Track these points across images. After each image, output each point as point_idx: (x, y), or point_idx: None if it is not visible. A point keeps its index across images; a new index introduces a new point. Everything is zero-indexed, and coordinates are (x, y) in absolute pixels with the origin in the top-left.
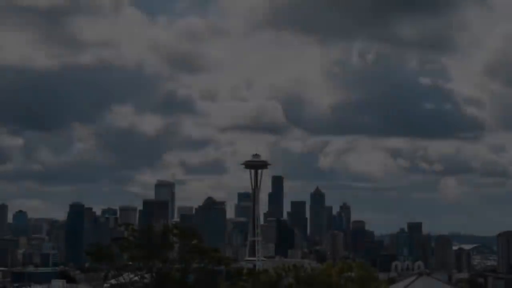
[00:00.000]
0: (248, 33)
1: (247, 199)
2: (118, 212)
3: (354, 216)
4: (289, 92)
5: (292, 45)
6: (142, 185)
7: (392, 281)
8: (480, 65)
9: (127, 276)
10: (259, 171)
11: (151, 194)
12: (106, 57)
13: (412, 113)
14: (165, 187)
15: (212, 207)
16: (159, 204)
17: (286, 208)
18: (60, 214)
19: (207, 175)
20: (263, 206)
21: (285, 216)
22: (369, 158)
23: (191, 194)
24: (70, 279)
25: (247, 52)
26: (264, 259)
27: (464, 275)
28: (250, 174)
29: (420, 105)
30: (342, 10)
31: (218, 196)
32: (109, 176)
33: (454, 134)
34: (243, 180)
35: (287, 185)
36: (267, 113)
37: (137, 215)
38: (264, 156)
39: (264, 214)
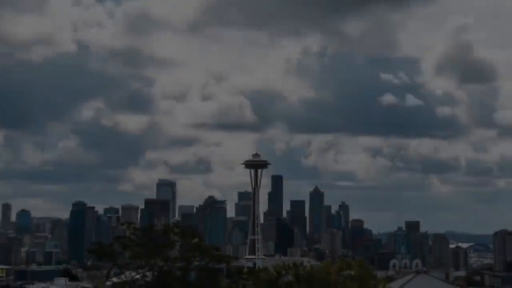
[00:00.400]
0: (196, 29)
1: (247, 198)
2: (120, 211)
3: (352, 215)
4: (256, 90)
5: (243, 41)
6: (132, 183)
7: (390, 279)
8: (441, 61)
9: (129, 274)
10: (259, 170)
11: (150, 194)
12: (50, 54)
13: (390, 111)
14: (166, 186)
15: (212, 206)
16: (160, 203)
17: (286, 207)
18: (60, 213)
19: (195, 174)
20: (263, 205)
21: (284, 215)
22: (354, 157)
23: (182, 193)
24: (72, 277)
25: (201, 48)
26: (264, 257)
27: (461, 273)
28: (250, 173)
29: (392, 103)
30: (294, 7)
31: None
32: (100, 175)
33: (431, 133)
34: (235, 178)
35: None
36: (239, 111)
37: (139, 214)
38: (248, 155)
39: (264, 213)
